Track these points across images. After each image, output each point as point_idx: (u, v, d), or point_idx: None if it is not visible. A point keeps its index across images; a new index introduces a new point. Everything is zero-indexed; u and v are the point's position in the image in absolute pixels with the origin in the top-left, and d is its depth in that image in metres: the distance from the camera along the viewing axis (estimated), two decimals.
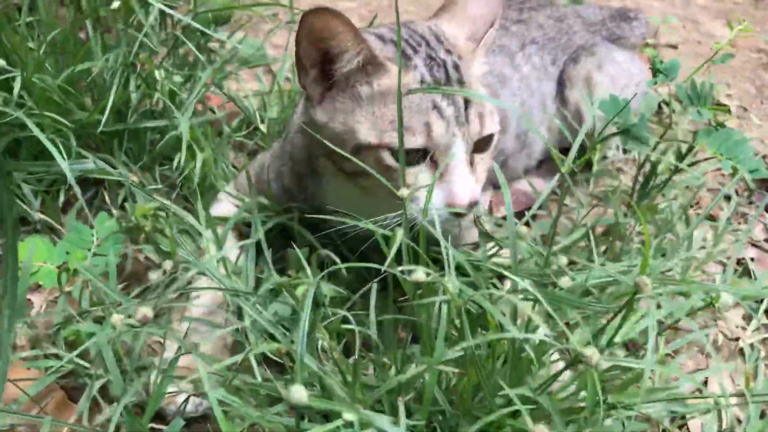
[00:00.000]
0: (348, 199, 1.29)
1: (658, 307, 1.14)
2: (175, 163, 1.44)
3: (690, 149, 1.42)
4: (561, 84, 1.95)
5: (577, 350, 0.92)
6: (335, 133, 1.20)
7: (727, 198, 2.06)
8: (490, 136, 1.25)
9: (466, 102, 1.19)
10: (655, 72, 1.35)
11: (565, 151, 1.70)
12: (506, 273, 1.03)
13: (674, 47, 2.96)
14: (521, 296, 1.04)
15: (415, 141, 1.16)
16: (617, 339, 1.13)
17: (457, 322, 1.02)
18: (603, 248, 1.62)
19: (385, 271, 1.03)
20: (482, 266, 1.11)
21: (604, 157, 2.06)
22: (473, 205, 1.19)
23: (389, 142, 1.16)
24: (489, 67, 1.75)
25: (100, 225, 1.34)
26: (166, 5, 1.47)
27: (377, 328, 1.09)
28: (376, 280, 1.08)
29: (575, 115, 1.85)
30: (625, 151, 2.11)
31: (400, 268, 1.01)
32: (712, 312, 1.51)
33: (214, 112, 1.73)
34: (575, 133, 1.77)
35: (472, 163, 1.22)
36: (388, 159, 1.17)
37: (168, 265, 1.17)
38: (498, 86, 1.75)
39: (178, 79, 1.59)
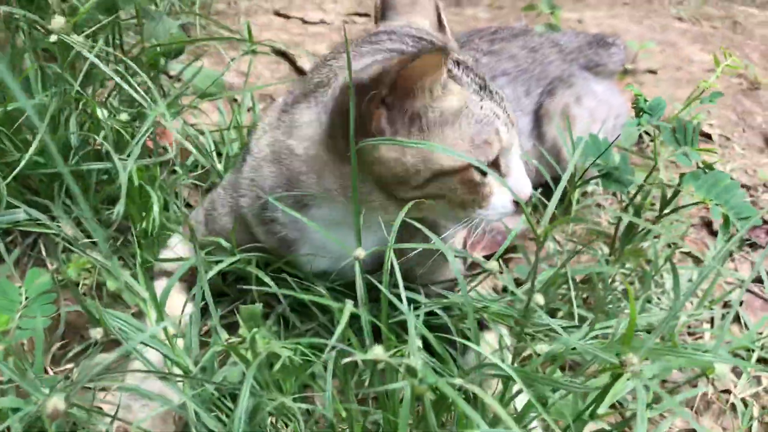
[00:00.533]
0: (337, 227, 1.20)
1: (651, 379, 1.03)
2: (119, 209, 1.30)
3: (675, 194, 1.32)
4: (538, 119, 1.85)
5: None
6: (406, 167, 1.11)
7: (712, 232, 1.98)
8: None
9: (500, 97, 1.18)
10: (639, 111, 1.25)
11: (543, 186, 1.61)
12: (480, 350, 0.92)
13: (654, 72, 2.89)
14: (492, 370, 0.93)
15: (494, 152, 1.13)
16: (601, 411, 1.03)
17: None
18: (585, 295, 1.53)
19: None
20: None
21: (585, 193, 1.97)
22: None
23: (465, 162, 1.10)
24: None
25: (30, 283, 1.21)
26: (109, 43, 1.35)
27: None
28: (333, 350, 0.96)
29: (552, 151, 1.75)
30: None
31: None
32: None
33: (167, 150, 1.60)
34: (553, 171, 1.68)
35: None
36: (476, 176, 1.12)
37: (98, 333, 1.05)
38: None
39: (125, 117, 1.47)
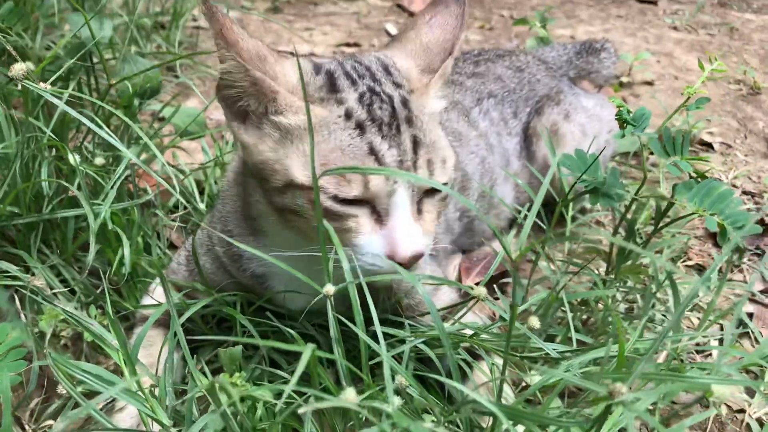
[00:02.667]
0: (289, 257, 1.10)
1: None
2: (89, 258, 1.26)
3: (669, 206, 1.26)
4: (527, 139, 1.81)
5: None
6: (263, 159, 1.06)
7: (717, 244, 1.91)
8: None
9: (415, 144, 1.03)
10: (623, 123, 1.20)
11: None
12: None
13: (650, 83, 2.84)
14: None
15: (349, 191, 1.01)
16: None
17: None
18: (585, 316, 1.46)
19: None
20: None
21: (582, 211, 1.91)
22: (417, 258, 1.03)
23: (321, 184, 1.00)
24: (445, 119, 1.62)
25: (0, 338, 1.16)
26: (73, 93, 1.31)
27: None
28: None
29: (543, 171, 1.70)
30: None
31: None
32: None
33: (146, 193, 1.57)
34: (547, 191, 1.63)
35: (420, 211, 1.06)
36: (326, 202, 1.02)
37: (63, 390, 0.99)
38: (455, 144, 1.61)
39: (100, 161, 1.43)
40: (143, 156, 1.61)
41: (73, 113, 1.15)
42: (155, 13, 2.66)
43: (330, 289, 0.93)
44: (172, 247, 1.63)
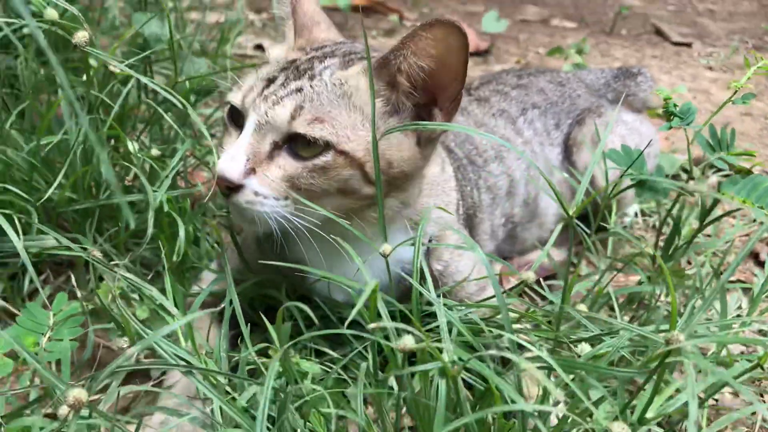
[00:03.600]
0: (326, 245, 1.14)
1: (698, 372, 0.96)
2: (145, 241, 1.30)
3: (715, 203, 1.27)
4: (567, 149, 1.83)
5: (604, 428, 0.76)
6: None
7: (759, 262, 1.90)
8: (312, 146, 1.06)
9: (298, 91, 1.08)
10: (670, 115, 1.23)
11: (579, 219, 1.56)
12: (512, 336, 0.87)
13: None
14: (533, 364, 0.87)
15: (233, 96, 1.14)
16: (649, 414, 0.95)
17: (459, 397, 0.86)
18: (627, 318, 1.46)
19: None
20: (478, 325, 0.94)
21: (623, 226, 1.92)
22: (224, 181, 1.05)
23: (228, 95, 1.16)
24: (493, 125, 1.66)
25: (58, 306, 1.20)
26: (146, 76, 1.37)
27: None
28: (357, 350, 0.92)
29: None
30: (644, 216, 1.96)
31: (391, 325, 0.86)
32: (758, 385, 1.31)
33: (197, 187, 1.61)
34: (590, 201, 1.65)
35: (271, 157, 1.08)
36: (225, 113, 1.17)
37: (123, 342, 1.02)
38: (502, 149, 1.64)
39: (155, 152, 1.48)
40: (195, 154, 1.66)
41: (149, 83, 1.21)
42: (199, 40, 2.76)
43: (387, 248, 0.95)
44: (219, 245, 1.67)
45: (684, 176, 2.26)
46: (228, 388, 1.07)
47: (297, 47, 1.22)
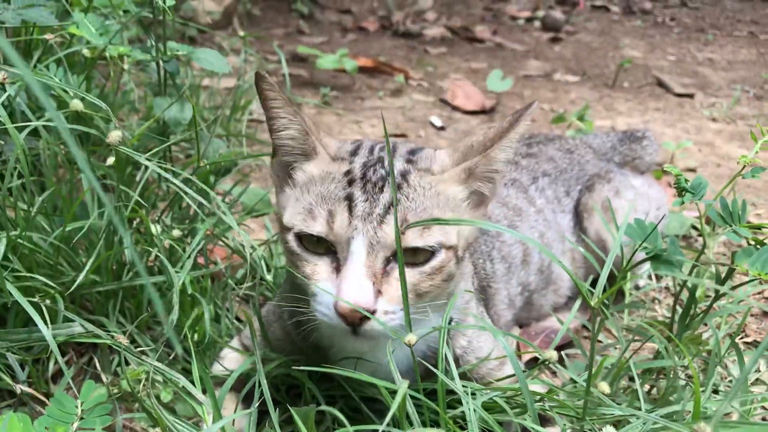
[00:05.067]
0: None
1: None
2: (169, 320, 1.32)
3: (730, 272, 1.29)
4: (578, 216, 1.86)
5: None
6: (281, 214, 1.19)
7: None
8: (422, 252, 1.10)
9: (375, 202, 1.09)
10: (681, 191, 1.25)
11: (592, 284, 1.59)
12: None
13: (693, 170, 2.90)
14: None
15: (314, 227, 1.09)
16: None
17: None
18: (647, 388, 1.47)
19: None
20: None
21: (636, 287, 1.93)
22: (359, 315, 1.04)
23: (293, 224, 1.12)
24: (505, 195, 1.69)
25: (86, 394, 1.21)
26: (160, 163, 1.41)
27: None
28: None
29: (597, 244, 1.74)
30: (658, 279, 1.98)
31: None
32: None
33: (217, 265, 1.64)
34: (600, 263, 1.66)
35: (387, 273, 1.08)
36: (291, 242, 1.12)
37: None
38: (515, 219, 1.67)
39: (177, 233, 1.52)
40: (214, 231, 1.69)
41: (163, 173, 1.25)
42: (213, 106, 2.82)
43: (412, 338, 0.97)
44: (238, 320, 1.69)
45: (694, 233, 2.29)
46: None
47: (332, 158, 1.19)
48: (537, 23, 5.78)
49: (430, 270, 1.10)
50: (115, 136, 1.21)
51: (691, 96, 3.99)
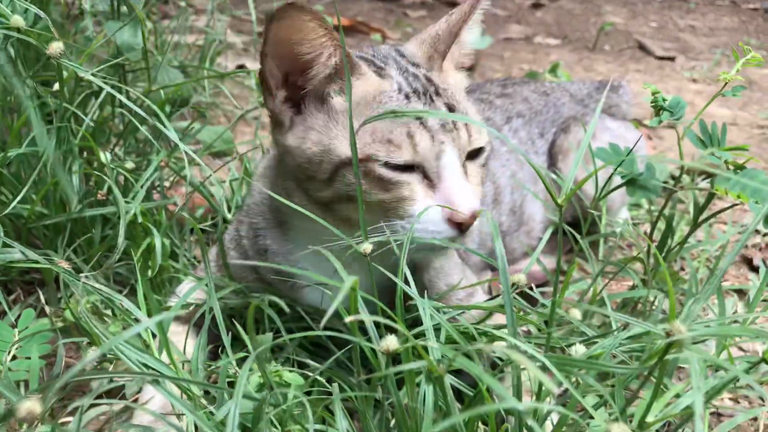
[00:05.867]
0: (313, 253, 1.07)
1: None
2: (117, 252, 1.24)
3: (710, 197, 1.23)
4: (552, 157, 1.80)
5: (604, 429, 0.70)
6: (308, 157, 1.07)
7: (753, 268, 1.86)
8: (480, 150, 1.12)
9: (450, 110, 1.09)
10: (659, 110, 1.19)
11: (569, 227, 1.52)
12: (501, 335, 0.82)
13: (673, 127, 2.84)
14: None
15: (400, 155, 1.03)
16: (650, 418, 0.90)
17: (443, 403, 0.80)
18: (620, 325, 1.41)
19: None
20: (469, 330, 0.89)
21: (613, 233, 1.88)
22: (475, 217, 1.03)
23: (372, 153, 1.02)
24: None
25: (24, 323, 1.13)
26: (114, 87, 1.32)
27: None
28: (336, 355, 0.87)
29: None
30: (634, 223, 1.93)
31: (369, 318, 0.81)
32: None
33: (176, 204, 1.56)
34: (573, 208, 1.60)
35: (466, 174, 1.07)
36: (380, 170, 1.03)
37: (92, 355, 0.96)
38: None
39: (130, 164, 1.43)
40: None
41: (118, 95, 1.16)
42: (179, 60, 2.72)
43: (367, 247, 0.90)
44: (198, 263, 1.61)
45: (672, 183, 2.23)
46: (205, 402, 1.01)
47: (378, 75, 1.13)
48: None
49: (484, 161, 1.13)
50: (56, 47, 1.12)
51: (672, 59, 3.94)
